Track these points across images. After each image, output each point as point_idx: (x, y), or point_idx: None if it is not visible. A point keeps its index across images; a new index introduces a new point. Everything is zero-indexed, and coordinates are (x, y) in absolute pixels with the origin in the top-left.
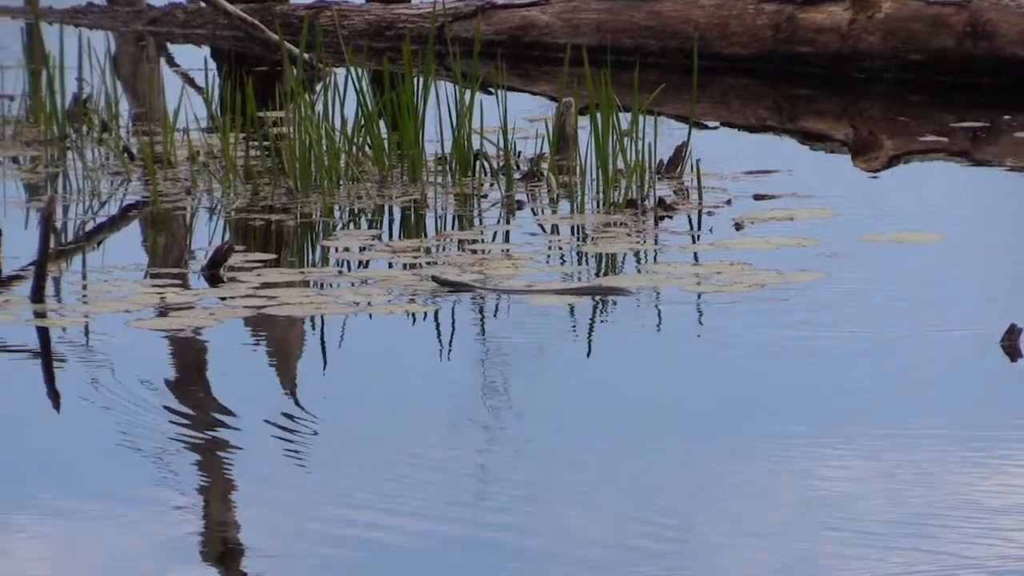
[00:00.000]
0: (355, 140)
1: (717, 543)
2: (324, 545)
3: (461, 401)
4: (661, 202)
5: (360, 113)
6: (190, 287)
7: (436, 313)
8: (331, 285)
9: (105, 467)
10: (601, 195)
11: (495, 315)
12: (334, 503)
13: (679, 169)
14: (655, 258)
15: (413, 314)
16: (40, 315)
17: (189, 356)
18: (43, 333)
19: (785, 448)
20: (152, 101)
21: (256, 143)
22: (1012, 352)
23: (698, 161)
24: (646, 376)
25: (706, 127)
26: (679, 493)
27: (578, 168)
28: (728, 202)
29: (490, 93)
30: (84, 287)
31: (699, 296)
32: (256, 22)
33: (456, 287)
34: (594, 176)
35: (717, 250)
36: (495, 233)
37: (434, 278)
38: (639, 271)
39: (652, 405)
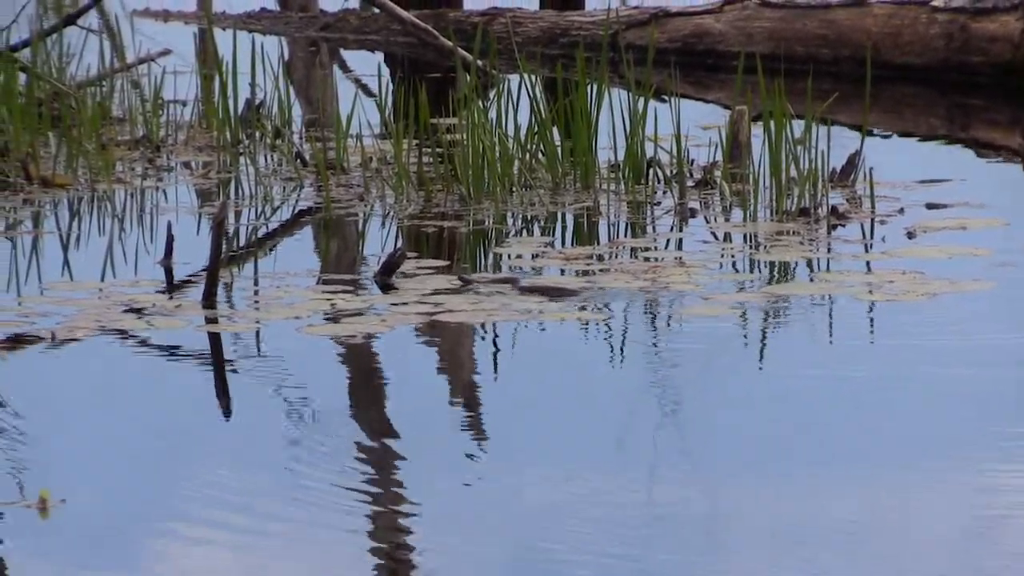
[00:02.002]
0: (528, 147)
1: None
2: (494, 562)
3: (631, 413)
4: (834, 211)
5: (533, 120)
6: (362, 293)
7: (608, 320)
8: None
9: (275, 475)
10: (774, 203)
11: (668, 323)
12: (503, 518)
13: (852, 178)
14: (828, 267)
15: (586, 321)
16: (211, 321)
17: (360, 363)
18: (214, 339)
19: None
20: (325, 107)
21: (429, 149)
22: None
23: (871, 170)
24: (820, 390)
25: (879, 136)
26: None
27: (751, 176)
28: (900, 211)
29: (663, 100)
30: (255, 293)
31: (871, 305)
32: (430, 28)
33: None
34: (767, 184)
35: (889, 259)
36: (668, 241)
37: (460, 278)
38: (811, 279)
39: (831, 424)
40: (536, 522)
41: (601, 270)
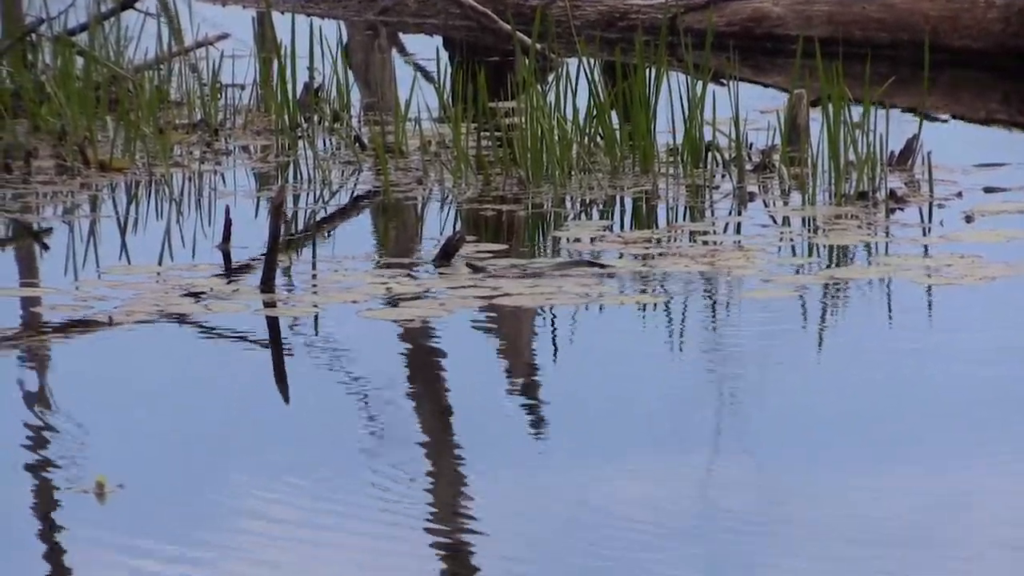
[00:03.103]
0: (587, 130)
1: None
2: (553, 550)
3: (691, 399)
4: (892, 194)
5: (592, 104)
6: (420, 278)
7: (667, 304)
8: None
9: (332, 460)
10: (832, 187)
11: (727, 307)
12: (562, 502)
13: (910, 162)
14: (886, 250)
15: (644, 305)
16: (269, 305)
17: (418, 346)
18: (272, 323)
19: None
20: (384, 91)
21: (487, 133)
22: None
23: (929, 153)
24: (879, 376)
25: (937, 120)
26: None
27: (809, 160)
28: (958, 195)
29: (722, 84)
30: (314, 277)
31: (928, 289)
32: (488, 12)
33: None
34: (825, 168)
35: (947, 243)
36: (726, 224)
37: (468, 264)
38: (870, 263)
39: (890, 415)
40: (596, 512)
41: (660, 254)
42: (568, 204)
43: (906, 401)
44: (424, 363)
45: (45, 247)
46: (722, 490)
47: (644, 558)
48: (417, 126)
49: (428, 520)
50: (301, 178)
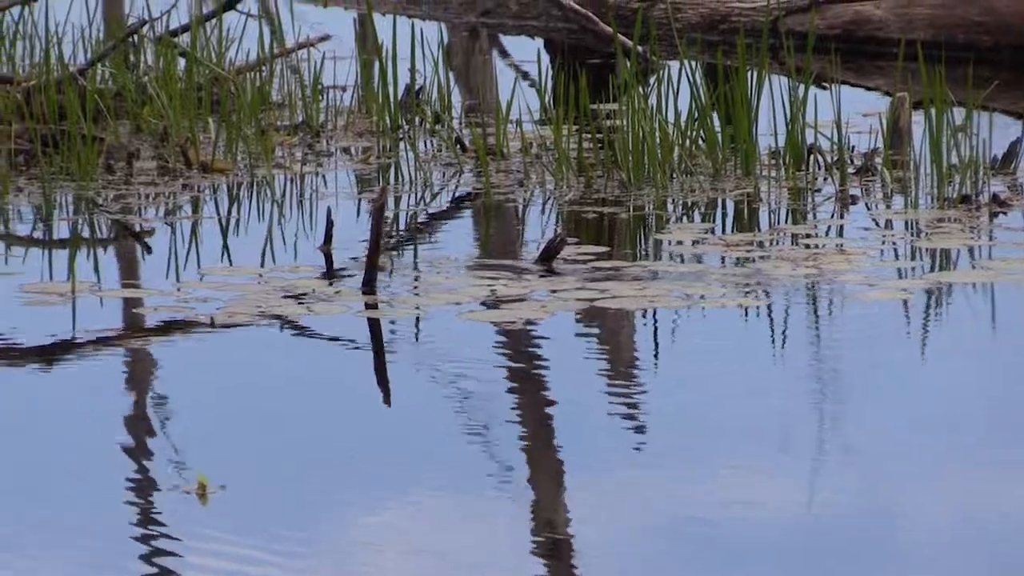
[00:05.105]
0: (688, 133)
1: None
2: (652, 542)
3: (795, 404)
4: (995, 198)
5: (693, 106)
6: (522, 279)
7: (769, 307)
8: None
9: (434, 461)
10: (935, 190)
11: (829, 310)
12: (663, 502)
13: (1013, 165)
14: (990, 254)
15: (746, 308)
16: (371, 307)
17: (520, 348)
18: (374, 325)
19: None
20: (485, 93)
21: (589, 135)
22: None
23: None
24: (986, 381)
25: None
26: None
27: (912, 163)
28: None
29: (823, 87)
30: (415, 279)
31: None
32: (589, 14)
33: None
34: (928, 171)
35: None
36: (828, 228)
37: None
38: (973, 267)
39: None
40: (696, 518)
41: (761, 257)
42: (669, 206)
43: (1011, 405)
44: (525, 365)
45: (147, 248)
46: (828, 494)
47: (746, 563)
48: (518, 128)
49: (527, 523)
50: (402, 180)
